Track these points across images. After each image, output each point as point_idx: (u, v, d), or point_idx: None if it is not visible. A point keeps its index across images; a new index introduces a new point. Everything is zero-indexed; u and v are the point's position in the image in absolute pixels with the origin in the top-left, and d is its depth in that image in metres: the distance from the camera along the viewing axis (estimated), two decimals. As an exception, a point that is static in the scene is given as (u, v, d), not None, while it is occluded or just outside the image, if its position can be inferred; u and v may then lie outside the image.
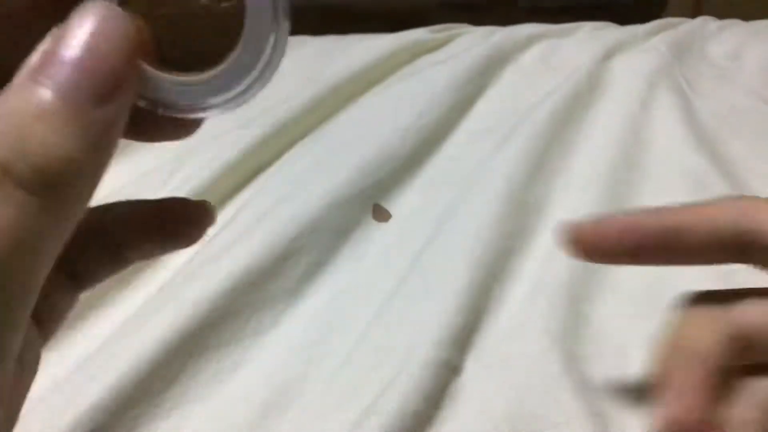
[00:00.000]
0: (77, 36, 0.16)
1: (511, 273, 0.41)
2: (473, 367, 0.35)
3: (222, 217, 0.45)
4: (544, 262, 0.41)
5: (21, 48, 0.16)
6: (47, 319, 0.21)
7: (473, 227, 0.42)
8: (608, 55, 0.70)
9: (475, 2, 1.96)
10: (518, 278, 0.41)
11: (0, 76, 0.16)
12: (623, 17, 0.87)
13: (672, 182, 0.49)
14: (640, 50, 0.72)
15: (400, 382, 0.32)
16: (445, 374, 0.34)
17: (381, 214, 0.47)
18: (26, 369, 0.19)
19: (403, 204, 0.48)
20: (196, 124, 0.20)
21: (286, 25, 0.18)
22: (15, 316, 0.16)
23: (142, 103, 0.18)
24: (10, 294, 0.15)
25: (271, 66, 0.18)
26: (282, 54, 0.18)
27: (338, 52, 0.74)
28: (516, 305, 0.39)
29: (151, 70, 0.17)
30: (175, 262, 0.41)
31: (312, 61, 0.73)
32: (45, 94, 0.15)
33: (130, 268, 0.23)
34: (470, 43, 0.73)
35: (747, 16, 0.85)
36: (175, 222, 0.22)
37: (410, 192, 0.50)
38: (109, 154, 0.17)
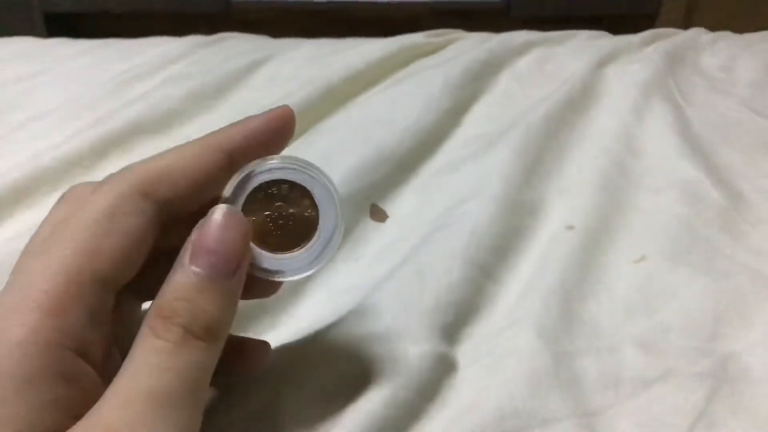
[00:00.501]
0: (213, 230, 0.24)
1: (505, 272, 0.41)
2: (465, 362, 0.35)
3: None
4: (538, 262, 0.42)
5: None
6: None
7: (468, 227, 0.42)
8: (603, 63, 0.70)
9: (468, 11, 1.97)
10: (512, 277, 0.41)
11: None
12: (615, 29, 0.87)
13: (664, 191, 0.49)
14: (634, 59, 0.72)
15: (394, 374, 0.32)
16: (439, 368, 0.34)
17: (378, 215, 0.47)
18: None
19: (400, 205, 0.48)
20: (280, 283, 0.30)
21: (343, 223, 0.28)
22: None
23: (254, 272, 0.27)
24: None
25: (333, 248, 0.28)
26: (339, 241, 0.28)
27: (334, 55, 0.74)
28: (509, 304, 0.39)
29: (258, 249, 0.27)
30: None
31: (308, 63, 0.73)
32: (200, 273, 0.24)
33: None
34: (466, 47, 0.74)
35: (736, 28, 0.86)
36: (246, 354, 0.32)
37: (407, 193, 0.50)
38: (237, 306, 0.25)
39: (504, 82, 0.68)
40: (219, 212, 0.25)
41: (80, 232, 0.24)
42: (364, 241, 0.45)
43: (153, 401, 0.21)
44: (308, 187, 0.27)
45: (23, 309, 0.22)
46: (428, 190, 0.50)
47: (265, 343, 0.32)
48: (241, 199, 0.27)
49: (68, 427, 0.21)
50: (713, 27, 0.86)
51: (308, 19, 2.01)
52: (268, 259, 0.27)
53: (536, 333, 0.35)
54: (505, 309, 0.39)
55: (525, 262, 0.42)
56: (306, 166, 0.27)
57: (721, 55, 0.76)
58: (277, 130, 0.28)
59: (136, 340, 0.23)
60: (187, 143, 0.27)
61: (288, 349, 0.35)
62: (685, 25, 0.88)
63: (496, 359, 0.34)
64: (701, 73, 0.72)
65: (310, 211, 0.27)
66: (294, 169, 0.27)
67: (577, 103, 0.61)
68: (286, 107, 0.29)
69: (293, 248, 0.27)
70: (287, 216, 0.27)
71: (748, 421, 0.31)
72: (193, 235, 0.24)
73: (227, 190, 0.27)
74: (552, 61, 0.73)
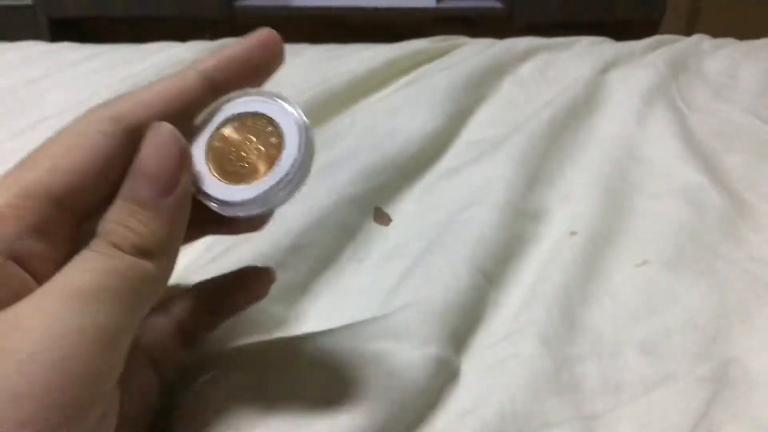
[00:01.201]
0: (143, 149, 0.24)
1: (507, 278, 0.41)
2: (468, 368, 0.35)
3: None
4: (541, 267, 0.42)
5: None
6: (167, 366, 0.30)
7: (472, 233, 0.43)
8: (605, 69, 0.70)
9: (471, 17, 1.98)
10: (515, 283, 0.41)
11: None
12: (618, 35, 0.88)
13: (667, 196, 0.49)
14: (637, 65, 0.73)
15: (397, 376, 0.32)
16: (442, 372, 0.34)
17: (382, 218, 0.47)
18: (149, 407, 0.25)
19: (404, 209, 0.49)
20: (264, 217, 0.30)
21: (306, 165, 0.26)
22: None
23: (202, 198, 0.26)
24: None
25: (287, 186, 0.25)
26: (296, 181, 0.26)
27: (337, 61, 0.74)
28: (512, 309, 0.39)
29: (211, 177, 0.26)
30: (187, 255, 0.41)
31: (311, 68, 0.73)
32: (130, 193, 0.24)
33: None
34: (470, 53, 0.74)
35: (739, 35, 0.86)
36: (250, 285, 0.32)
37: (410, 198, 0.50)
38: (181, 230, 0.25)
39: (507, 88, 0.68)
40: (153, 130, 0.24)
41: (47, 152, 0.24)
42: (368, 244, 0.45)
43: (68, 294, 0.21)
44: (277, 120, 0.26)
45: None
46: (431, 195, 0.50)
47: (268, 270, 0.32)
48: (211, 127, 0.26)
49: None
50: (716, 33, 0.86)
51: (311, 25, 2.02)
52: (216, 187, 0.26)
53: (538, 338, 0.36)
54: (507, 315, 0.39)
55: (527, 268, 0.42)
56: (280, 98, 0.27)
57: (723, 61, 0.76)
58: (259, 50, 0.27)
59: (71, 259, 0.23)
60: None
61: (291, 348, 0.35)
62: (688, 31, 0.88)
63: (497, 363, 0.35)
64: (704, 80, 0.72)
65: (274, 145, 0.26)
66: (266, 101, 0.26)
67: (579, 109, 0.61)
68: (268, 30, 0.28)
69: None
70: (252, 149, 0.26)
71: (749, 426, 0.31)
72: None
73: (198, 119, 0.26)
74: (555, 67, 0.73)
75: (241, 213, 0.26)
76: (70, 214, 0.24)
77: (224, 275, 0.32)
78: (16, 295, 0.22)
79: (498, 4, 2.00)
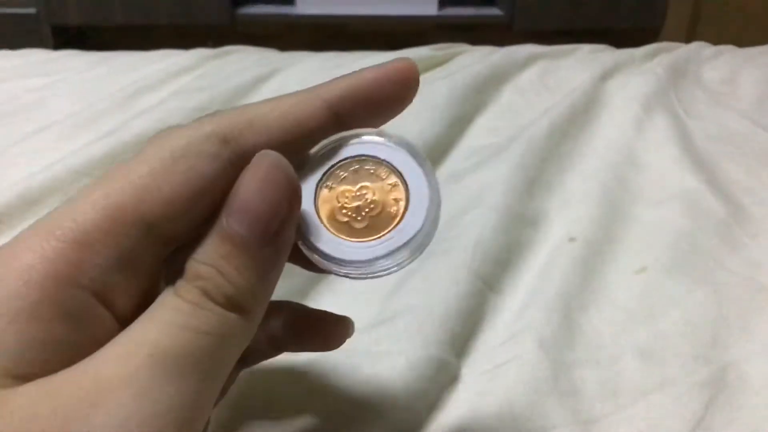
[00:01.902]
0: (248, 181, 0.20)
1: (507, 283, 0.42)
2: (467, 373, 0.35)
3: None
4: (540, 273, 0.42)
5: None
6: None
7: (472, 238, 0.43)
8: (605, 77, 0.71)
9: (472, 25, 1.99)
10: (514, 288, 0.41)
11: None
12: (618, 42, 0.88)
13: (666, 203, 0.49)
14: (636, 72, 0.73)
15: (398, 380, 0.33)
16: (442, 376, 0.34)
17: (382, 224, 0.47)
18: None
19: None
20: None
21: (434, 229, 0.22)
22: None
23: (305, 248, 0.22)
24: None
25: (411, 251, 0.22)
26: (421, 247, 0.22)
27: (340, 68, 0.75)
28: (511, 314, 0.39)
29: (320, 226, 0.22)
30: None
31: (313, 76, 0.74)
32: (228, 232, 0.20)
33: None
34: (470, 61, 0.75)
35: (739, 42, 0.87)
36: (325, 331, 0.28)
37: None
38: (276, 279, 0.21)
39: (507, 95, 0.68)
40: (261, 160, 0.21)
41: (139, 169, 0.20)
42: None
43: (156, 358, 0.18)
44: (405, 174, 0.23)
45: (43, 234, 0.19)
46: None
47: (346, 319, 0.28)
48: (325, 166, 0.23)
49: (58, 371, 0.18)
50: (717, 41, 0.87)
51: (313, 33, 2.03)
52: (325, 238, 0.22)
53: (537, 343, 0.36)
54: (507, 320, 0.39)
55: (527, 274, 0.43)
56: (412, 149, 0.23)
57: (723, 68, 0.77)
58: (395, 85, 0.24)
59: (158, 299, 0.20)
60: (286, 94, 0.23)
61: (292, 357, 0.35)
62: (689, 38, 0.89)
63: (497, 367, 0.35)
64: (703, 87, 0.72)
65: (398, 202, 0.22)
66: (396, 148, 0.23)
67: (579, 116, 0.62)
68: (407, 61, 0.24)
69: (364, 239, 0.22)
70: (370, 202, 0.22)
71: (746, 430, 0.31)
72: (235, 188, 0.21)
73: (311, 153, 0.23)
74: (555, 75, 0.74)
75: (346, 272, 0.22)
76: (159, 244, 0.21)
77: (313, 309, 0.29)
78: (94, 338, 0.19)
79: (499, 12, 2.01)
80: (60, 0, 1.88)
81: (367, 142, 0.23)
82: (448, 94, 0.63)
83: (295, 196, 0.21)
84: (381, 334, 0.36)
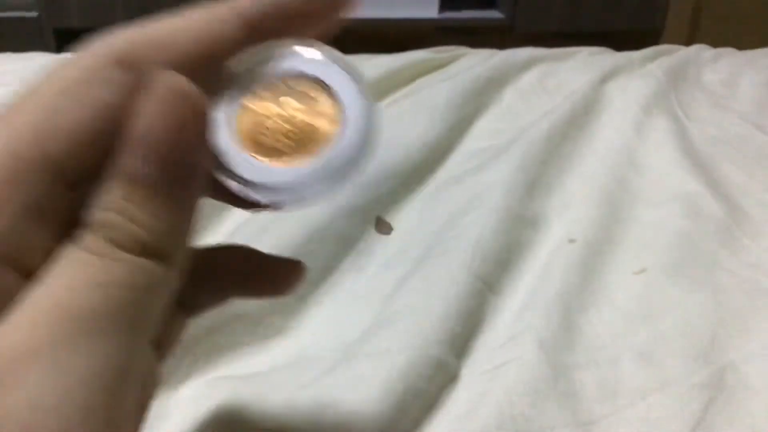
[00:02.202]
0: (147, 112, 0.17)
1: (507, 285, 0.42)
2: (467, 373, 0.36)
3: (231, 222, 0.46)
4: (540, 274, 0.42)
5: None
6: (165, 343, 0.23)
7: (472, 240, 0.43)
8: (605, 79, 0.71)
9: (472, 27, 1.99)
10: (514, 290, 0.42)
11: None
12: (619, 45, 0.88)
13: (665, 204, 0.49)
14: (636, 75, 0.73)
15: (397, 380, 0.33)
16: (441, 376, 0.34)
17: (383, 227, 0.48)
18: (147, 387, 0.20)
19: (405, 218, 0.49)
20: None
21: (372, 139, 0.20)
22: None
23: (221, 176, 0.19)
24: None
25: (348, 169, 0.20)
26: (360, 163, 0.20)
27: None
28: (511, 316, 0.39)
29: (243, 154, 0.19)
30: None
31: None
32: (130, 175, 0.17)
33: None
34: (471, 63, 0.75)
35: (740, 45, 0.87)
36: (273, 276, 0.25)
37: (411, 206, 0.51)
38: (191, 215, 0.19)
39: (507, 98, 0.69)
40: (158, 83, 0.18)
41: (33, 106, 0.18)
42: (369, 253, 0.45)
43: (72, 320, 0.16)
44: (337, 92, 0.20)
45: None
46: (432, 203, 0.51)
47: (298, 263, 0.25)
48: (245, 84, 0.20)
49: None
50: (717, 43, 0.87)
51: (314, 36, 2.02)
52: (245, 163, 0.19)
53: (537, 344, 0.36)
54: (507, 321, 0.39)
55: (527, 275, 0.43)
56: (344, 64, 0.21)
57: (723, 70, 0.77)
58: (321, 4, 0.21)
59: (60, 252, 0.17)
60: (197, 8, 0.20)
61: (291, 351, 0.35)
62: (689, 41, 0.89)
63: (496, 368, 0.35)
64: (703, 89, 0.72)
65: (330, 122, 0.20)
66: (326, 63, 0.20)
67: (579, 119, 0.62)
68: None
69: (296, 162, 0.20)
70: (299, 122, 0.20)
71: (746, 431, 0.32)
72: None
73: (229, 70, 0.20)
74: (555, 77, 0.74)
75: (270, 199, 0.20)
76: (68, 188, 0.18)
77: (249, 250, 0.25)
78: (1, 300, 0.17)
79: (499, 15, 2.01)
80: (61, 3, 1.88)
81: (291, 55, 0.20)
82: (449, 97, 0.63)
83: (202, 121, 0.18)
84: (381, 334, 0.36)
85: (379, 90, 0.69)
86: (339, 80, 0.20)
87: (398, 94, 0.69)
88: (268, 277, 0.25)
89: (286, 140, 0.20)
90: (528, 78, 0.73)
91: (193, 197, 0.19)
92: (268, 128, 0.20)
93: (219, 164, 0.19)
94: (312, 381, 0.34)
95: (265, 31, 0.20)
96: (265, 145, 0.20)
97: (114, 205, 0.17)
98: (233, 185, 0.20)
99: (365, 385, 0.33)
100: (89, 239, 0.17)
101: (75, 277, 0.17)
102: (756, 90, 0.71)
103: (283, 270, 0.25)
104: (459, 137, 0.61)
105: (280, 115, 0.20)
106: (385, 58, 0.76)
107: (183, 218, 0.19)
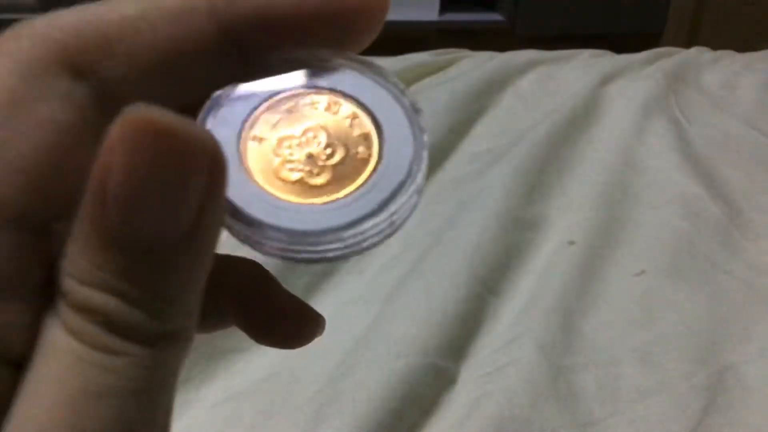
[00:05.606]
0: (120, 162, 0.12)
1: (506, 287, 0.42)
2: (466, 376, 0.36)
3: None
4: (540, 276, 0.42)
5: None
6: None
7: (471, 242, 0.43)
8: (605, 82, 0.71)
9: (473, 30, 1.99)
10: (513, 292, 0.42)
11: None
12: (619, 47, 0.88)
13: (665, 207, 0.50)
14: (636, 77, 0.73)
15: (396, 384, 0.33)
16: (439, 380, 0.34)
17: (383, 229, 0.48)
18: None
19: (405, 220, 0.49)
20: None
21: (423, 176, 0.15)
22: None
23: (233, 230, 0.15)
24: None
25: (401, 206, 0.15)
26: (414, 200, 0.15)
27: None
28: (510, 318, 0.40)
29: (263, 193, 0.14)
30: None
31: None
32: (113, 240, 0.13)
33: None
34: (471, 66, 0.75)
35: (739, 47, 0.87)
36: (287, 325, 0.20)
37: (411, 209, 0.51)
38: (204, 276, 0.14)
39: (507, 100, 0.69)
40: (123, 125, 0.12)
41: None
42: (369, 256, 0.45)
43: None
44: (364, 100, 0.16)
45: None
46: (432, 205, 0.51)
47: (317, 318, 0.20)
48: (241, 113, 0.15)
49: None
50: (717, 46, 0.87)
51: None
52: (277, 209, 0.14)
53: (536, 346, 0.36)
54: (506, 323, 0.39)
55: (526, 277, 0.43)
56: (369, 65, 0.16)
57: (722, 73, 0.77)
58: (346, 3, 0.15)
59: (46, 331, 0.13)
60: None
61: (292, 355, 0.35)
62: (690, 43, 0.89)
63: (496, 370, 0.35)
64: (702, 91, 0.72)
65: (367, 139, 0.15)
66: (358, 74, 0.16)
67: (579, 121, 0.62)
68: None
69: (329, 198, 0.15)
70: (327, 144, 0.15)
71: (745, 432, 0.32)
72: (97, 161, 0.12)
73: (227, 88, 0.15)
74: (555, 80, 0.74)
75: (318, 253, 0.15)
76: (31, 233, 0.14)
77: (275, 290, 0.21)
78: None
79: (500, 17, 2.01)
80: (62, 5, 1.88)
81: (294, 62, 0.15)
82: (449, 99, 0.64)
83: (221, 161, 0.13)
84: (380, 338, 0.36)
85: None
86: (362, 85, 0.16)
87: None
88: (276, 315, 0.20)
89: (319, 170, 0.15)
90: (528, 81, 0.73)
91: (205, 261, 0.14)
92: (289, 160, 0.15)
93: (237, 215, 0.14)
94: (311, 386, 0.34)
95: (250, 44, 0.15)
96: (291, 180, 0.15)
97: (95, 278, 0.13)
98: (262, 244, 0.14)
99: (364, 391, 0.33)
100: (76, 323, 0.13)
101: (68, 383, 0.13)
102: (755, 92, 0.71)
103: (301, 322, 0.20)
104: (459, 140, 0.61)
105: (301, 142, 0.15)
106: (385, 60, 0.76)
107: (192, 287, 0.14)
